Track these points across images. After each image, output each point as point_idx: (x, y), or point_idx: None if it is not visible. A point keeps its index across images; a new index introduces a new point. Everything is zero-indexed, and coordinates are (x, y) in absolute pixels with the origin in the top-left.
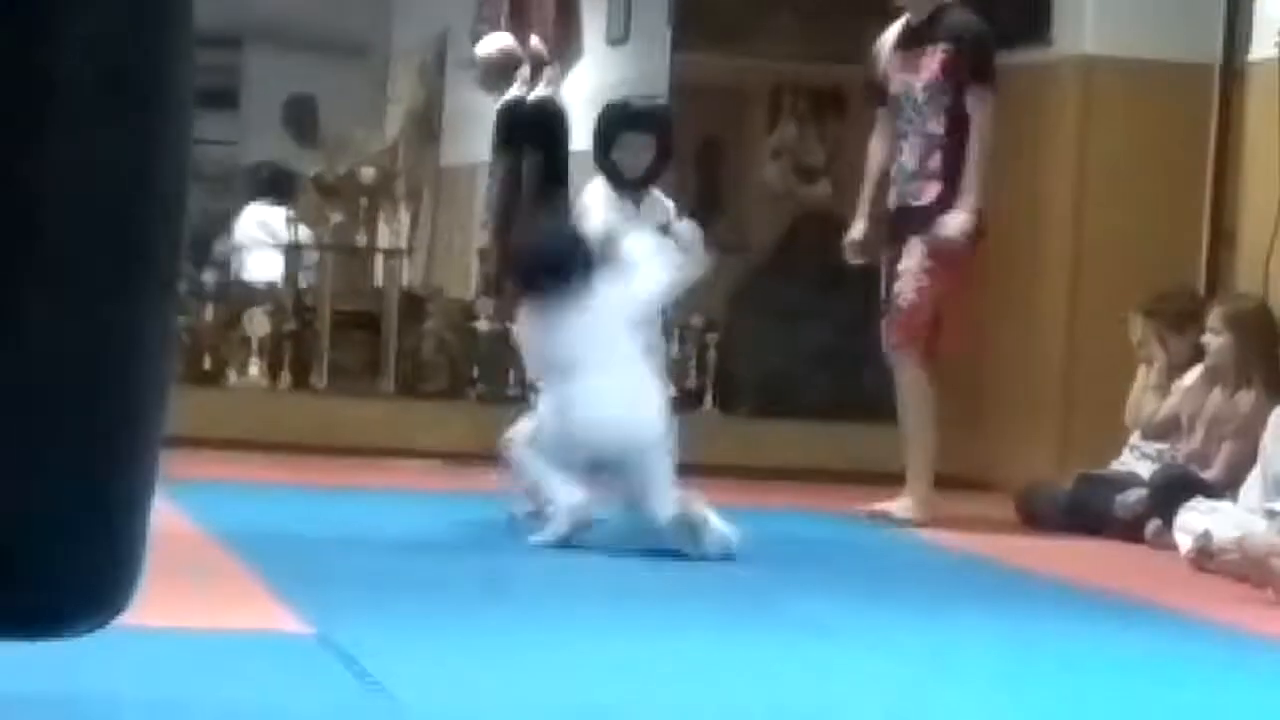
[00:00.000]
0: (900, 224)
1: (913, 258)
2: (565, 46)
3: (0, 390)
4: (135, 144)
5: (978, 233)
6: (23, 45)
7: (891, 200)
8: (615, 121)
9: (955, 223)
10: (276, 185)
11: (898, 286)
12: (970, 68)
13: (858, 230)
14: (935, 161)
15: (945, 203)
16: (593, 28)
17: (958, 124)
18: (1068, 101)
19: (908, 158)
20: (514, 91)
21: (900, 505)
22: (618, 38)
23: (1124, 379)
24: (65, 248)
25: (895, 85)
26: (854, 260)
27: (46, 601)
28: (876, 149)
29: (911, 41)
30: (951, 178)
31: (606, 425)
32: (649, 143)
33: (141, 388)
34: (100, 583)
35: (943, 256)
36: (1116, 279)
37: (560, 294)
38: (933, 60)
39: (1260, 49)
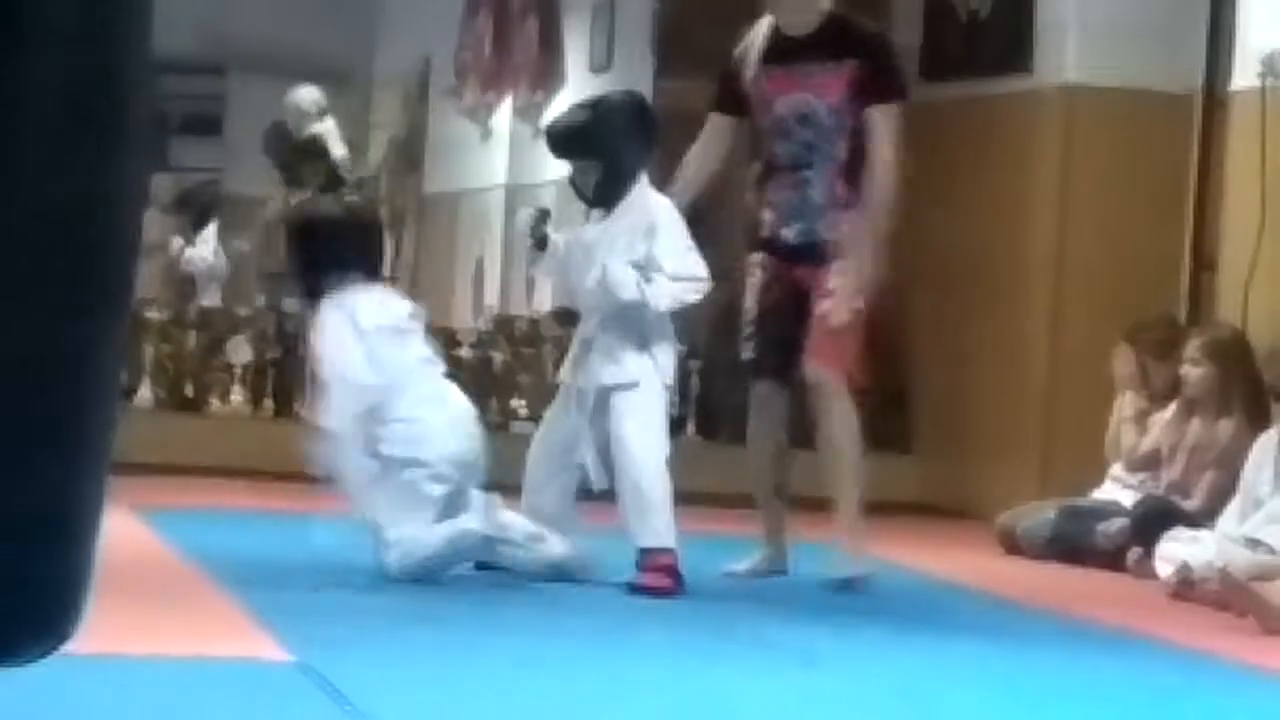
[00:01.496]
0: (806, 257)
1: (843, 279)
2: (548, 74)
3: None
4: (91, 170)
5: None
6: None
7: (791, 234)
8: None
9: (854, 266)
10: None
11: (825, 306)
12: (880, 84)
13: None
14: (845, 191)
15: (858, 230)
16: (575, 55)
17: (862, 147)
18: (1049, 130)
19: (814, 189)
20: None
21: (842, 561)
22: (601, 65)
23: (1106, 407)
24: (15, 269)
25: (785, 105)
26: None
27: None
28: (704, 159)
29: (799, 56)
30: (857, 205)
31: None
32: (584, 165)
33: (90, 411)
34: (46, 610)
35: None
36: (1098, 307)
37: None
38: (838, 79)
39: (1241, 79)
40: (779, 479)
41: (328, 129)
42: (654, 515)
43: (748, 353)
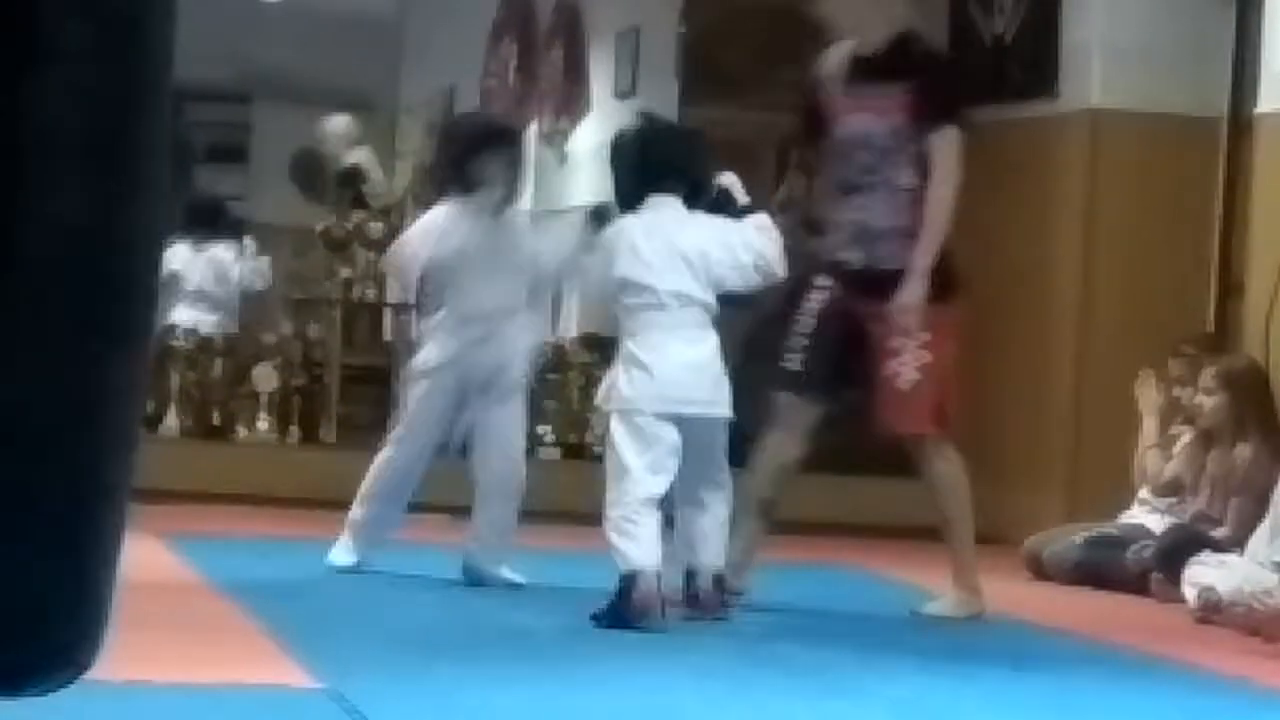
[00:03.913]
0: (870, 288)
1: (903, 337)
2: (573, 100)
3: None
4: (109, 203)
5: (949, 286)
6: (3, 104)
7: (855, 259)
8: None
9: (906, 296)
10: (215, 221)
11: (893, 365)
12: (935, 105)
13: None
14: (909, 218)
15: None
16: (600, 81)
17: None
18: (1075, 154)
19: (873, 214)
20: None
21: (950, 603)
22: (625, 91)
23: (1132, 431)
24: (34, 304)
25: (846, 127)
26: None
27: (7, 658)
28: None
29: (866, 77)
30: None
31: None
32: None
33: (110, 441)
34: (65, 639)
35: (932, 325)
36: (1124, 332)
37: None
38: (897, 102)
39: (1267, 102)
40: (772, 496)
41: (365, 157)
42: None
43: (793, 364)
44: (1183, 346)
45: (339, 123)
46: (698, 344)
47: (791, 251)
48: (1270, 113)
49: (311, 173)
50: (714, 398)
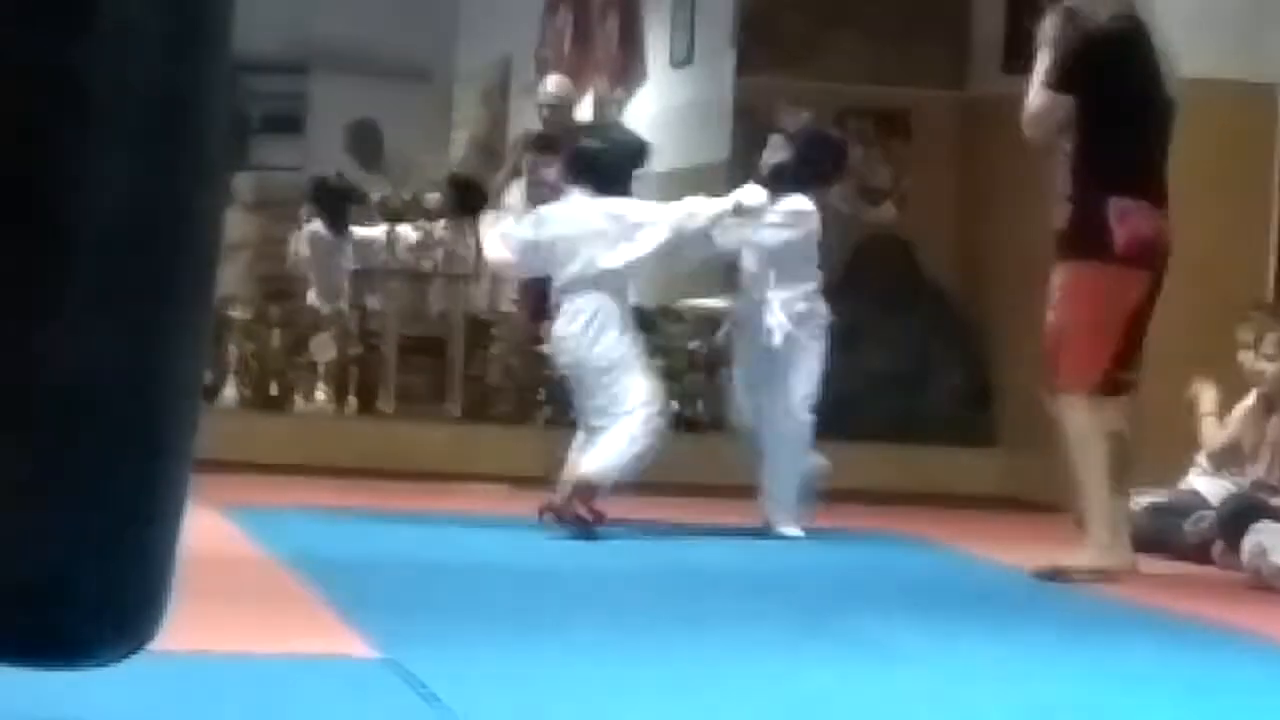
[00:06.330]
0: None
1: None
2: (629, 70)
3: (29, 417)
4: (170, 169)
5: (1076, 245)
6: (61, 70)
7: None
8: None
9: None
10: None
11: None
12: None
13: None
14: (1063, 180)
15: (1076, 228)
16: (657, 50)
17: (1088, 143)
18: None
19: (1057, 176)
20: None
21: (1078, 558)
22: (682, 60)
23: (1188, 398)
24: (99, 268)
25: None
26: None
27: (74, 630)
28: None
29: None
30: (1078, 201)
31: None
32: None
33: (172, 414)
34: (128, 612)
35: (1069, 286)
36: (1181, 300)
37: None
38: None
39: None
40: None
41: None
42: None
43: None
44: (1250, 311)
45: (558, 83)
46: None
47: (850, 219)
48: None
49: (367, 143)
50: None
